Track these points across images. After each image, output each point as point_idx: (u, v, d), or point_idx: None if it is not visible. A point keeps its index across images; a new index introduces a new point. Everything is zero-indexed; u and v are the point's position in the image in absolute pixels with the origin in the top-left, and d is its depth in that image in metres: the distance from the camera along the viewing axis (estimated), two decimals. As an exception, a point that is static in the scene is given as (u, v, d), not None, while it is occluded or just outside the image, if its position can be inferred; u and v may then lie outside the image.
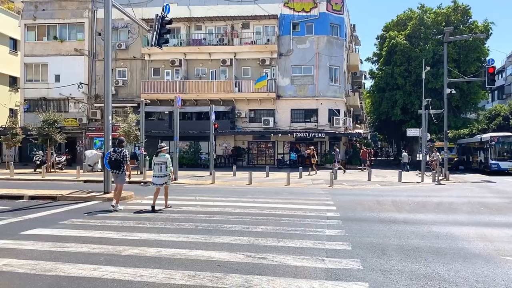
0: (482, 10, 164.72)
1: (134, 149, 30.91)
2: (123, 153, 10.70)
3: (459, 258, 5.96)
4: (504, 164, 27.30)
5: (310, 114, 32.11)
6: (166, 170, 10.41)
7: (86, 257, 5.81)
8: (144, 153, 24.34)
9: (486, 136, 31.06)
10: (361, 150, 31.26)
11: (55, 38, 34.10)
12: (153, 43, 14.83)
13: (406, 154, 33.34)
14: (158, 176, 10.42)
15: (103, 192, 12.80)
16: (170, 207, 10.50)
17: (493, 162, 27.75)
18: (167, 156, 10.67)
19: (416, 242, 6.97)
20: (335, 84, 32.59)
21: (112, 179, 11.85)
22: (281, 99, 32.13)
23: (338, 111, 32.11)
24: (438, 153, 26.96)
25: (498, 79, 54.93)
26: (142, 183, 18.13)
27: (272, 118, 31.69)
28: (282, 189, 15.97)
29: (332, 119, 31.53)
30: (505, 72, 57.30)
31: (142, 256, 5.92)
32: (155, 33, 14.73)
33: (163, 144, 10.94)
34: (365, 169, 25.58)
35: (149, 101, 28.67)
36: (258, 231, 7.68)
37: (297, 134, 30.65)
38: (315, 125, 31.66)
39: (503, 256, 6.07)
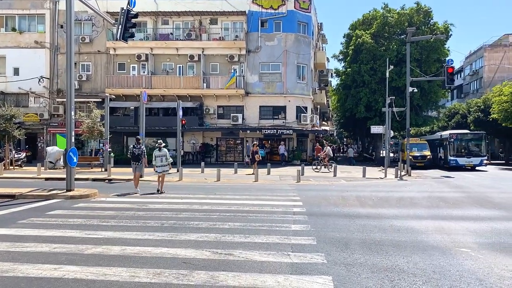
0: (443, 12, 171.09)
1: (99, 145, 30.13)
2: (142, 149, 13.82)
3: (418, 250, 6.22)
4: (462, 160, 28.47)
5: (278, 111, 32.35)
6: (166, 161, 13.47)
7: (46, 257, 5.63)
8: (109, 149, 23.76)
9: (446, 133, 32.37)
10: (315, 147, 30.40)
11: (13, 29, 32.58)
12: (118, 37, 14.48)
13: (352, 149, 39.69)
14: (160, 166, 13.35)
15: (65, 190, 12.40)
16: (164, 192, 12.96)
17: (452, 158, 28.91)
18: (166, 150, 13.78)
19: (378, 236, 7.21)
20: (303, 81, 32.98)
21: (134, 169, 14.00)
22: (250, 96, 32.19)
23: (306, 108, 32.53)
24: (329, 147, 26.36)
25: (457, 78, 57.40)
26: (107, 181, 17.69)
27: (241, 114, 31.71)
28: (250, 186, 16.05)
29: (299, 116, 31.91)
30: (463, 72, 59.88)
31: (106, 254, 5.80)
32: (120, 27, 14.37)
33: (161, 141, 13.99)
34: (319, 167, 25.38)
35: (114, 96, 27.95)
36: (225, 227, 7.69)
37: (265, 131, 30.83)
38: (283, 122, 31.94)
39: (458, 248, 6.38)
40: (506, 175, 24.16)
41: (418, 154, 29.84)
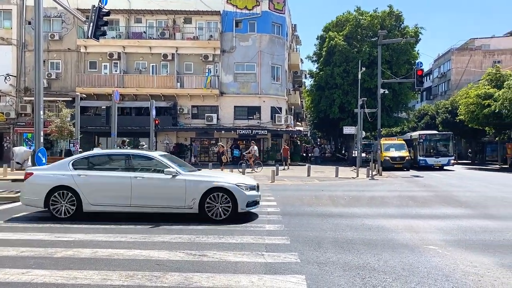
0: (413, 16, 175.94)
1: (69, 145, 29.34)
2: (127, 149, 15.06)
3: (388, 248, 6.39)
4: (430, 160, 29.36)
5: (253, 111, 32.44)
6: None
7: (13, 261, 5.46)
8: (79, 150, 23.14)
9: (415, 134, 33.31)
10: (282, 148, 29.32)
11: (-23, 25, 31.34)
12: (89, 35, 14.16)
13: (318, 149, 41.84)
14: None
15: (33, 192, 12.00)
16: None
17: (421, 158, 29.77)
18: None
19: (350, 234, 7.36)
20: (277, 82, 33.20)
21: None
22: (225, 96, 32.13)
23: (280, 109, 32.75)
24: (255, 147, 25.30)
25: (426, 81, 59.07)
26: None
27: (216, 114, 31.61)
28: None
29: (274, 117, 32.11)
30: (432, 74, 61.83)
31: (76, 257, 5.68)
32: (91, 24, 14.05)
33: (143, 143, 16.01)
34: (286, 167, 25.67)
35: (85, 96, 27.30)
36: (199, 228, 7.66)
37: (240, 131, 30.86)
38: (257, 122, 32.05)
39: (427, 245, 6.59)
40: (472, 174, 25.09)
41: (396, 155, 28.64)
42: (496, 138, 35.65)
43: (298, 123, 48.18)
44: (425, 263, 5.58)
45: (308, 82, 49.40)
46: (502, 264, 5.56)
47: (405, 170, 27.12)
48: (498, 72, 30.53)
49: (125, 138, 17.10)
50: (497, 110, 27.20)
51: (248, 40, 32.17)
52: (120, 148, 16.03)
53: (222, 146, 23.23)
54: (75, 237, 6.91)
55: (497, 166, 34.73)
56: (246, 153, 24.63)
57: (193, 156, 27.59)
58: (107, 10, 14.42)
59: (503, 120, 27.67)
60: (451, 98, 41.18)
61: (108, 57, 31.63)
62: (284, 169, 24.58)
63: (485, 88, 29.70)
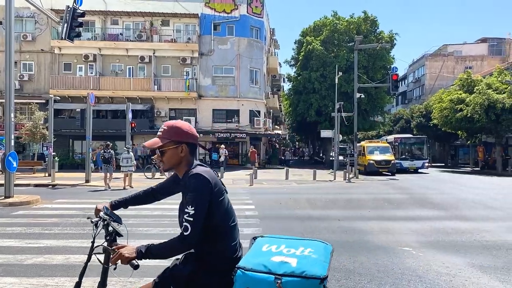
0: (388, 22, 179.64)
1: (42, 149, 28.57)
2: (111, 153, 16.13)
3: (364, 250, 6.46)
4: (406, 163, 29.84)
5: (231, 114, 32.40)
6: (131, 163, 16.15)
7: (-19, 269, 5.25)
8: (52, 153, 22.57)
9: (390, 137, 33.94)
10: (250, 151, 28.11)
11: None
12: (63, 36, 13.84)
13: (288, 153, 45.91)
14: (126, 166, 16.03)
15: (3, 197, 11.62)
16: (133, 187, 15.67)
17: (397, 161, 30.26)
18: (132, 153, 16.74)
19: (328, 236, 7.41)
20: (256, 86, 33.28)
21: (105, 170, 16.15)
22: (203, 99, 31.97)
23: (259, 112, 32.83)
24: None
25: (401, 85, 60.39)
26: (51, 186, 16.81)
27: (194, 117, 31.40)
28: (202, 190, 15.87)
29: (253, 120, 32.15)
30: (407, 79, 63.26)
31: (48, 264, 5.51)
32: (66, 25, 13.75)
33: (128, 146, 17.61)
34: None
35: (59, 98, 26.63)
36: (177, 233, 7.50)
37: (219, 134, 30.74)
38: (236, 126, 32.01)
39: (401, 247, 6.71)
40: (445, 177, 25.73)
41: (380, 159, 27.09)
42: (468, 142, 36.69)
43: (276, 126, 48.42)
44: (399, 265, 5.68)
45: (287, 86, 49.81)
46: (472, 264, 5.71)
47: (390, 175, 26.10)
48: (469, 77, 31.44)
49: (109, 142, 16.94)
50: (469, 115, 28.00)
51: (226, 44, 32.15)
52: (104, 152, 16.22)
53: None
54: (46, 243, 6.71)
55: (469, 168, 35.79)
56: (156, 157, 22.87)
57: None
58: (82, 11, 14.13)
59: (475, 124, 28.50)
60: (425, 103, 42.21)
61: (84, 59, 31.02)
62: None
63: (457, 93, 30.53)
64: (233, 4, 32.09)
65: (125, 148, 17.46)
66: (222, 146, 25.52)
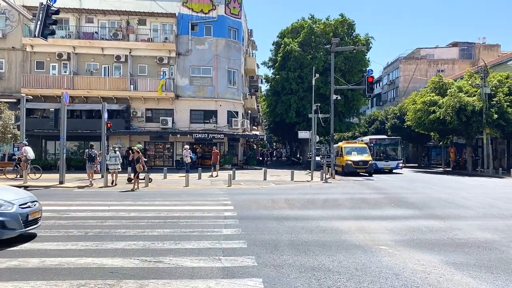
0: (364, 25, 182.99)
1: (13, 149, 27.68)
2: (95, 152, 18.47)
3: (342, 249, 6.58)
4: (381, 164, 30.42)
5: (209, 115, 32.25)
6: (117, 161, 17.63)
7: (-49, 274, 5.07)
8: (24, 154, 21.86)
9: (366, 138, 34.53)
10: (212, 151, 25.61)
11: None
12: (36, 33, 13.46)
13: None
14: (113, 164, 17.53)
15: (-28, 199, 11.18)
16: (117, 185, 17.09)
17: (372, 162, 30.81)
18: (118, 153, 18.25)
19: (306, 237, 7.50)
20: (234, 86, 33.25)
21: (89, 168, 18.04)
22: (180, 99, 31.70)
23: (237, 113, 32.81)
24: (27, 147, 19.73)
25: (376, 87, 61.70)
26: (23, 188, 16.27)
27: (171, 118, 31.10)
28: (181, 191, 15.78)
29: (230, 121, 32.11)
30: (382, 81, 64.55)
31: (22, 268, 5.37)
32: (39, 23, 13.39)
33: (115, 145, 19.12)
34: (215, 174, 23.84)
35: (31, 97, 25.90)
36: (155, 234, 7.50)
37: (196, 135, 30.54)
38: (214, 126, 31.89)
39: (378, 246, 6.86)
40: (419, 177, 26.39)
41: (358, 159, 27.00)
42: (440, 143, 37.77)
43: (254, 127, 48.46)
44: (376, 263, 5.81)
45: (264, 87, 49.97)
46: (446, 262, 5.91)
47: (367, 175, 26.42)
48: (441, 80, 32.38)
49: (92, 143, 18.26)
50: (441, 117, 28.84)
51: (204, 44, 32.00)
52: (88, 152, 17.89)
53: (137, 151, 16.73)
54: (20, 246, 6.53)
55: (441, 169, 36.86)
56: (18, 156, 20.35)
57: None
58: (56, 8, 13.80)
59: (447, 126, 29.37)
60: (399, 104, 43.17)
61: (57, 57, 30.26)
62: (212, 176, 23.13)
63: (430, 96, 31.38)
64: (211, 4, 31.96)
65: (111, 148, 18.78)
66: (186, 147, 24.26)
